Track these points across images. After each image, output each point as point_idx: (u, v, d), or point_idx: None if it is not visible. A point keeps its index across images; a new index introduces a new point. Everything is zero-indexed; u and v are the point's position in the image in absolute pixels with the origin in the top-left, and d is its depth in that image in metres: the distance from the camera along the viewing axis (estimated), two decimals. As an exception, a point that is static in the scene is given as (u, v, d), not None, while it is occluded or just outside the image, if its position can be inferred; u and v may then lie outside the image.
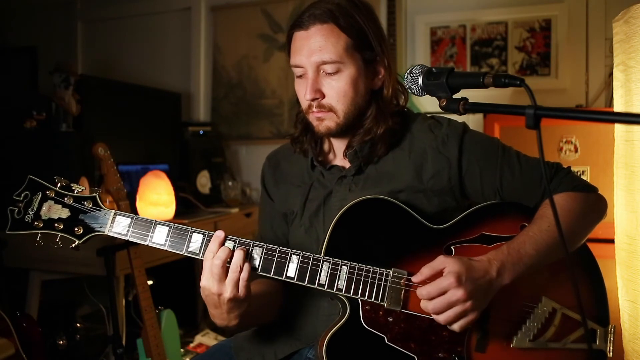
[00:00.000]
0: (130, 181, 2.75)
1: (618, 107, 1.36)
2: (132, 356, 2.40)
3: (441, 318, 1.07)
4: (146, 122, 3.20)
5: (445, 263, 1.08)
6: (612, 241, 1.41)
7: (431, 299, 1.07)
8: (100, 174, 2.09)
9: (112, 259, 2.11)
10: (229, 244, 1.12)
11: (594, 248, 1.27)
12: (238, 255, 1.09)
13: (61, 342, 2.54)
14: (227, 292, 1.10)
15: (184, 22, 3.74)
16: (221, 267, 1.08)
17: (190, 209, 3.03)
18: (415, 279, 1.12)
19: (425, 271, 1.10)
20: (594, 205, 1.26)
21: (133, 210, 2.30)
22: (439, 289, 1.06)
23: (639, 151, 1.27)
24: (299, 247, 1.33)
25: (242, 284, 1.10)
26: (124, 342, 2.19)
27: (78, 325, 2.75)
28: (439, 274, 1.08)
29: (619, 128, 1.38)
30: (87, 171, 2.47)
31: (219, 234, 1.11)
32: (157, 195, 2.58)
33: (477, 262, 1.10)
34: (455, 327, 1.08)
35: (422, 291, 1.08)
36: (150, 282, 2.19)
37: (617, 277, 1.39)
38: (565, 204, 1.21)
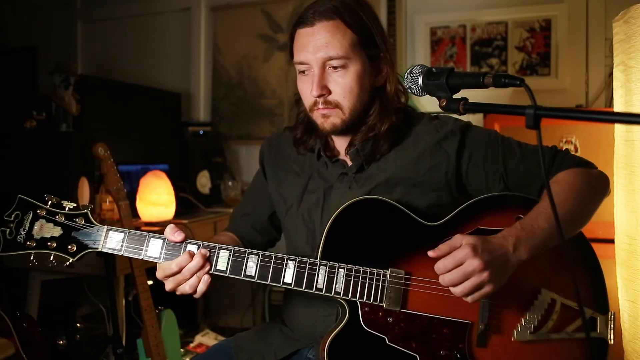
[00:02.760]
0: (130, 181, 2.75)
1: (618, 107, 1.36)
2: (132, 356, 2.40)
3: (458, 290, 1.06)
4: (146, 122, 3.20)
5: (462, 239, 1.07)
6: (612, 241, 1.41)
7: (448, 271, 1.06)
8: (100, 174, 2.09)
9: (112, 259, 2.11)
10: (193, 248, 1.13)
11: (594, 248, 1.27)
12: (201, 273, 1.12)
13: (61, 342, 2.53)
14: (185, 290, 1.14)
15: (184, 22, 3.73)
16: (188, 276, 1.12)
17: (190, 209, 3.03)
18: (432, 253, 1.10)
19: (443, 247, 1.08)
20: (597, 179, 1.26)
21: (133, 210, 2.30)
22: (455, 261, 1.05)
23: (639, 151, 1.27)
24: (295, 237, 1.35)
25: (199, 293, 1.14)
26: (124, 342, 2.19)
27: (78, 325, 2.74)
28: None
29: (619, 128, 1.38)
30: (87, 171, 2.46)
31: (192, 249, 1.13)
32: (157, 195, 2.58)
33: (492, 238, 1.09)
34: (469, 298, 1.07)
35: (439, 265, 1.07)
36: (150, 282, 2.19)
37: (617, 277, 1.39)
38: (569, 179, 1.21)
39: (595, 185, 1.25)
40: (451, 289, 1.07)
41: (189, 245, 1.13)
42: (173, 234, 1.13)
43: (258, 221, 1.45)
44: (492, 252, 1.06)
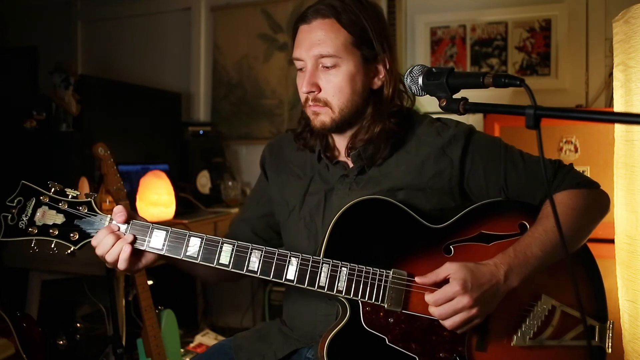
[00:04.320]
0: (130, 181, 2.75)
1: (618, 107, 1.36)
2: (132, 356, 2.40)
3: (447, 323, 1.10)
4: (146, 122, 3.20)
5: (451, 270, 1.09)
6: (612, 241, 1.41)
7: (438, 305, 1.09)
8: (100, 174, 2.09)
9: (112, 259, 2.11)
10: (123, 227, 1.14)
11: (594, 248, 1.27)
12: (118, 246, 1.12)
13: (61, 342, 2.53)
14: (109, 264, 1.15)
15: (184, 22, 3.73)
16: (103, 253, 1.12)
17: (190, 209, 3.03)
18: (419, 280, 1.13)
19: (431, 276, 1.12)
20: (597, 201, 1.26)
21: (133, 210, 2.29)
22: (446, 297, 1.08)
23: (639, 151, 1.27)
24: (297, 240, 1.34)
25: (120, 265, 1.13)
26: (124, 342, 2.18)
27: (78, 325, 2.74)
28: (444, 280, 1.10)
29: (619, 128, 1.38)
30: (87, 171, 2.47)
31: (127, 237, 1.13)
32: (157, 195, 2.58)
33: (483, 267, 1.11)
34: (458, 331, 1.11)
35: (429, 298, 1.10)
36: (150, 282, 2.19)
37: (617, 277, 1.39)
38: (569, 201, 1.21)
39: (594, 208, 1.25)
40: (440, 321, 1.11)
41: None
42: (116, 214, 1.14)
43: (258, 225, 1.44)
44: (482, 286, 1.09)
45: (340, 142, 1.33)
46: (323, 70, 1.22)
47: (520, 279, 1.13)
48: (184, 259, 1.13)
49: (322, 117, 1.24)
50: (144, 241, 1.13)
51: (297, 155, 1.39)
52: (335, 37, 1.20)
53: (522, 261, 1.13)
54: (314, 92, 1.23)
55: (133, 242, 1.13)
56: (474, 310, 1.08)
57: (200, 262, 1.13)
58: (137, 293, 2.14)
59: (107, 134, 2.67)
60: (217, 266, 1.13)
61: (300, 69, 1.26)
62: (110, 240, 1.12)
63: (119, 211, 1.14)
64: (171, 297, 2.62)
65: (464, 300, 1.07)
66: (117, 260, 1.13)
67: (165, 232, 1.14)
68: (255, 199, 1.48)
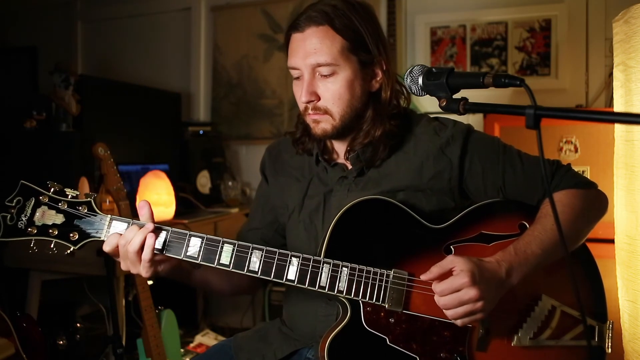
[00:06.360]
0: (130, 181, 2.75)
1: (618, 107, 1.36)
2: (132, 356, 2.40)
3: (450, 313, 1.09)
4: (146, 122, 3.20)
5: (455, 262, 1.09)
6: (612, 241, 1.41)
7: (444, 295, 1.08)
8: (100, 174, 2.09)
9: (112, 259, 2.10)
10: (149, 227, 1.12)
11: (594, 248, 1.27)
12: (137, 239, 1.10)
13: (61, 342, 2.54)
14: (131, 270, 1.14)
15: (184, 22, 3.74)
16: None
17: (190, 209, 3.03)
18: (424, 277, 1.12)
19: (435, 270, 1.10)
20: (595, 201, 1.26)
21: (133, 210, 2.30)
22: (453, 287, 1.07)
23: (639, 151, 1.27)
24: (297, 243, 1.34)
25: (143, 266, 1.12)
26: (124, 342, 2.19)
27: (78, 325, 2.75)
28: (448, 274, 1.09)
29: (619, 128, 1.38)
30: (87, 171, 2.47)
31: (148, 226, 1.11)
32: (157, 195, 2.58)
33: (487, 263, 1.10)
34: (459, 322, 1.10)
35: (436, 288, 1.09)
36: (150, 282, 2.19)
37: (617, 277, 1.39)
38: (567, 201, 1.21)
39: (592, 208, 1.25)
40: (444, 311, 1.10)
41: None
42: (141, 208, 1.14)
43: (267, 233, 1.43)
44: (488, 281, 1.08)
45: (340, 145, 1.32)
46: (321, 79, 1.21)
47: (520, 277, 1.12)
48: (184, 258, 1.13)
49: (323, 125, 1.23)
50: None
51: (296, 159, 1.39)
52: (330, 44, 1.19)
53: (522, 259, 1.13)
54: (313, 101, 1.22)
55: (154, 232, 1.11)
56: (479, 304, 1.07)
57: (200, 262, 1.13)
58: (137, 293, 2.14)
59: (107, 134, 2.68)
60: (218, 266, 1.12)
61: (297, 77, 1.24)
62: (132, 231, 1.10)
63: (144, 205, 1.14)
64: (171, 297, 2.62)
65: (470, 292, 1.05)
66: (138, 253, 1.10)
67: (165, 232, 1.13)
68: (260, 208, 1.46)
